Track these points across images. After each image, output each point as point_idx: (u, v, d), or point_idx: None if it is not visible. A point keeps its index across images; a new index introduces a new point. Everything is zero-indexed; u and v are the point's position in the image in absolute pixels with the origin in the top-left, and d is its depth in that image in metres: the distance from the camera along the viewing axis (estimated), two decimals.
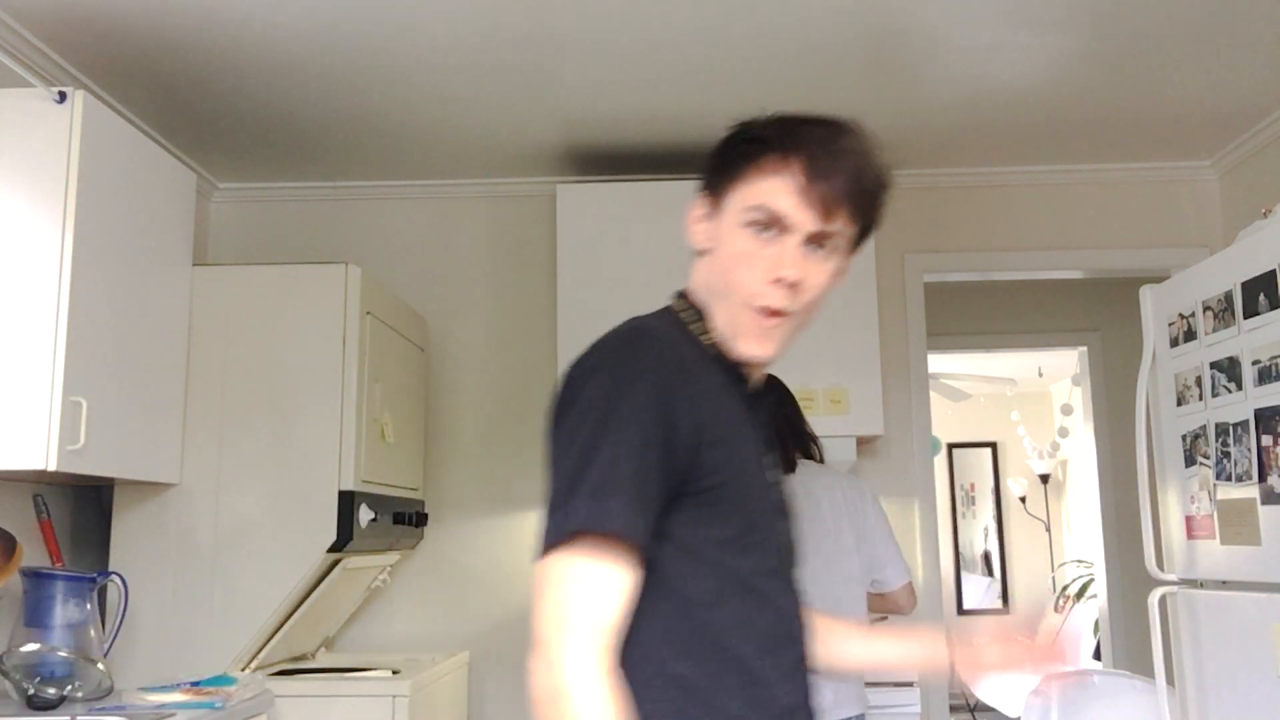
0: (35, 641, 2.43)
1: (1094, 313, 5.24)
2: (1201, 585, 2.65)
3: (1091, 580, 6.68)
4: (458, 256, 3.81)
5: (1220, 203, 3.74)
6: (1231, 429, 2.45)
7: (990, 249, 3.78)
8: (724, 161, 1.26)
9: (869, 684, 2.82)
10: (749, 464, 1.21)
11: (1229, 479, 2.46)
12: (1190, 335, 2.65)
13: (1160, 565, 2.79)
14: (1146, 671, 3.08)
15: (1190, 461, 2.65)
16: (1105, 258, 3.78)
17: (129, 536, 2.88)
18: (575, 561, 1.08)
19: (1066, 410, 7.54)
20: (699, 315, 1.27)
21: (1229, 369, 2.47)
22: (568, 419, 1.15)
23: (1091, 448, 5.31)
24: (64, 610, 2.49)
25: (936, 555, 3.66)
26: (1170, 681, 2.73)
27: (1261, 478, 2.33)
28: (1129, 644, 5.16)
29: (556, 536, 1.09)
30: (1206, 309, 2.57)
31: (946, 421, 8.20)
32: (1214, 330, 2.54)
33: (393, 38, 2.78)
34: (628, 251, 3.37)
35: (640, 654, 1.13)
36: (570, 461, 1.12)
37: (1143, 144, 3.58)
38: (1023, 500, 8.25)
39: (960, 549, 8.28)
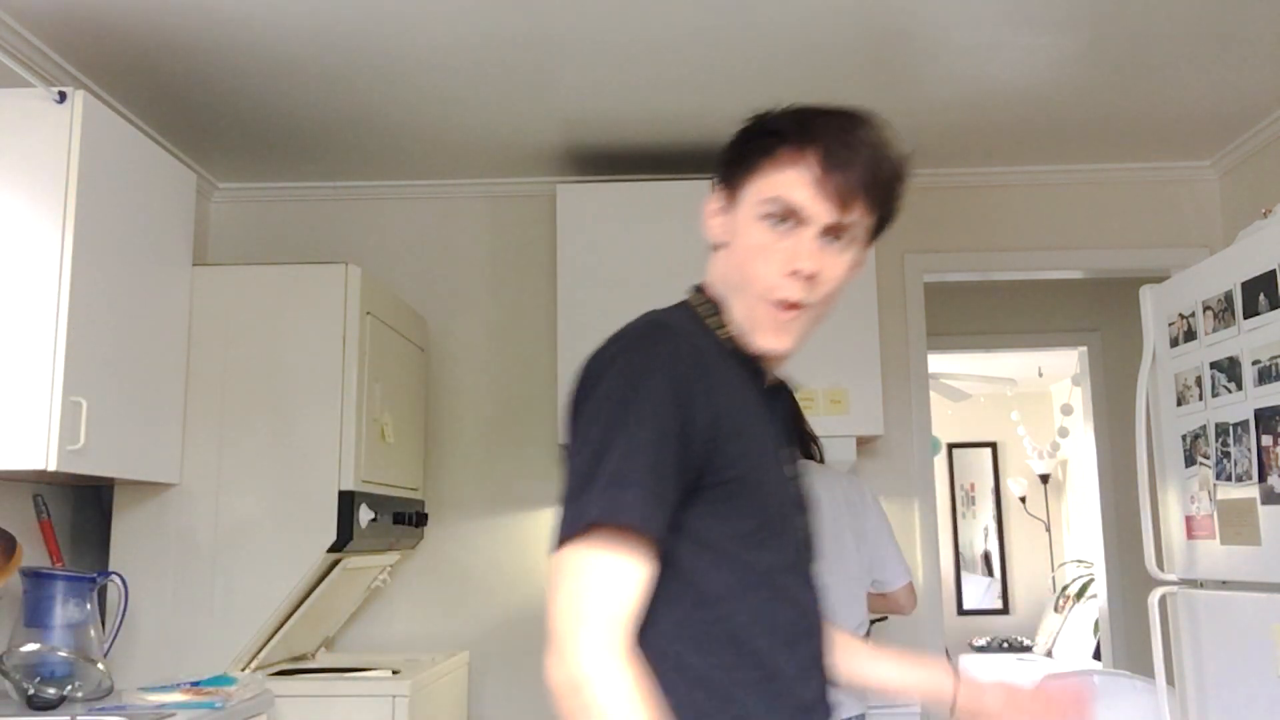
0: (35, 641, 2.43)
1: (1094, 313, 5.24)
2: (1201, 585, 2.65)
3: (1091, 580, 6.68)
4: (458, 256, 3.81)
5: (1220, 203, 3.74)
6: (1231, 429, 2.45)
7: (990, 249, 3.78)
8: (739, 154, 1.26)
9: None
10: (766, 458, 1.21)
11: (1229, 479, 2.46)
12: (1190, 335, 2.65)
13: (1160, 565, 2.79)
14: (1146, 671, 3.08)
15: (1190, 461, 2.65)
16: (1105, 258, 3.78)
17: (129, 536, 2.88)
18: (590, 554, 1.07)
19: (1066, 410, 7.54)
20: (716, 309, 1.27)
21: (1229, 369, 2.47)
22: (584, 412, 1.14)
23: (1091, 448, 5.31)
24: (64, 610, 2.49)
25: (936, 555, 3.66)
26: (1170, 681, 2.73)
27: (1261, 478, 2.33)
28: (1129, 644, 5.16)
29: (572, 529, 1.08)
30: (1206, 309, 2.57)
31: (946, 421, 8.20)
32: (1214, 330, 2.54)
33: (393, 38, 2.78)
34: (628, 251, 3.37)
35: (657, 648, 1.12)
36: (586, 455, 1.11)
37: (1143, 144, 3.58)
38: (1023, 500, 8.25)
39: (960, 549, 8.28)
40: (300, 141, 3.45)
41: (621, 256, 3.37)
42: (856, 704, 2.58)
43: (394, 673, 2.93)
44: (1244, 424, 2.40)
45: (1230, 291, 2.47)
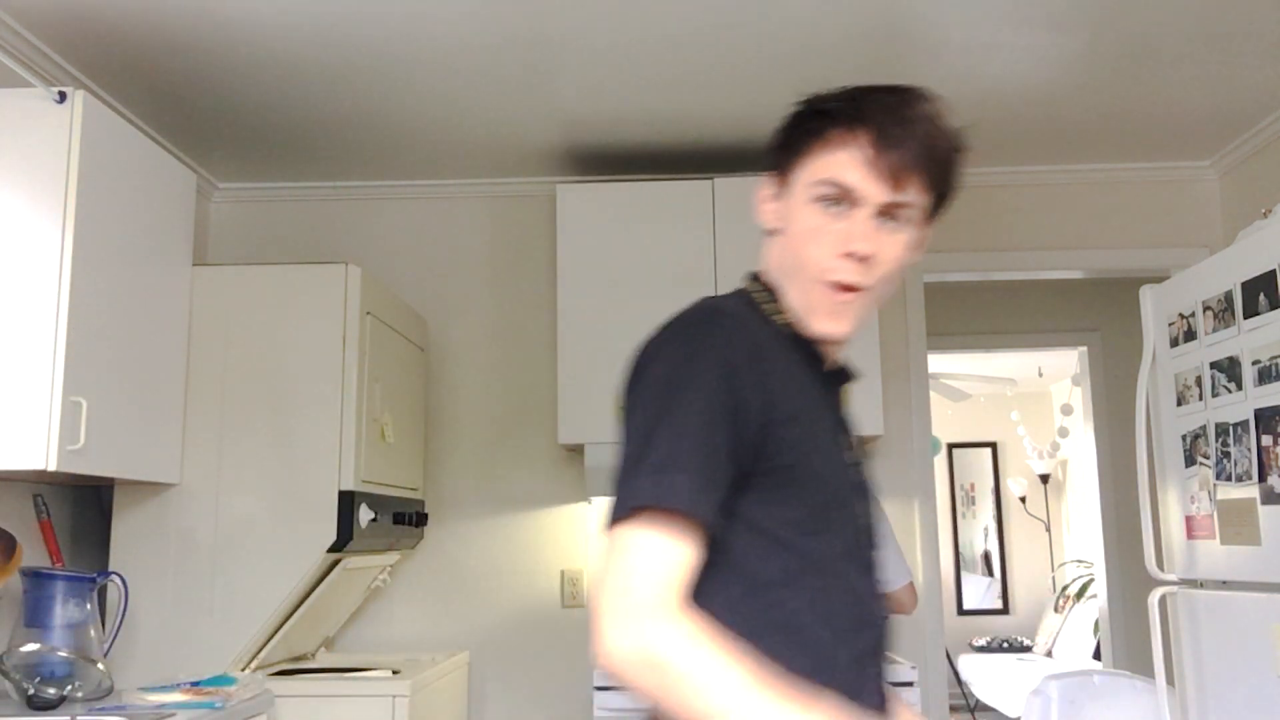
0: (35, 641, 2.43)
1: (1094, 313, 5.25)
2: (1201, 585, 2.65)
3: (1091, 580, 6.69)
4: (458, 256, 3.81)
5: (1220, 203, 3.74)
6: (1231, 429, 2.45)
7: (990, 249, 3.79)
8: (790, 139, 1.24)
9: None
10: (823, 443, 1.19)
11: (1229, 479, 2.46)
12: (1190, 335, 2.65)
13: (1160, 565, 2.79)
14: (1146, 671, 3.09)
15: (1190, 461, 2.65)
16: (1105, 258, 3.78)
17: (129, 536, 2.88)
18: (637, 534, 1.06)
19: (1066, 410, 7.54)
20: (772, 295, 1.25)
21: (1229, 369, 2.47)
22: (636, 397, 1.14)
23: (1091, 448, 5.31)
24: (64, 610, 2.49)
25: (936, 555, 3.66)
26: (1170, 681, 2.73)
27: (1261, 478, 2.33)
28: (1129, 644, 5.16)
29: (621, 512, 1.07)
30: (1206, 309, 2.57)
31: (946, 421, 8.20)
32: (1214, 330, 2.54)
33: (393, 38, 2.78)
34: (628, 251, 3.37)
35: None
36: (637, 439, 1.10)
37: (1143, 144, 3.58)
38: (1023, 500, 8.25)
39: (960, 549, 8.28)
40: (300, 141, 3.45)
41: (621, 256, 3.37)
42: None
43: (394, 673, 2.93)
44: (1244, 424, 2.40)
45: (1230, 291, 2.47)
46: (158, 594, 2.85)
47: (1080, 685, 3.16)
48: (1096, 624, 6.09)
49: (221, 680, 2.63)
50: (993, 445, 8.36)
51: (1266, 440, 2.32)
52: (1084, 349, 5.29)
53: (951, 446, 8.34)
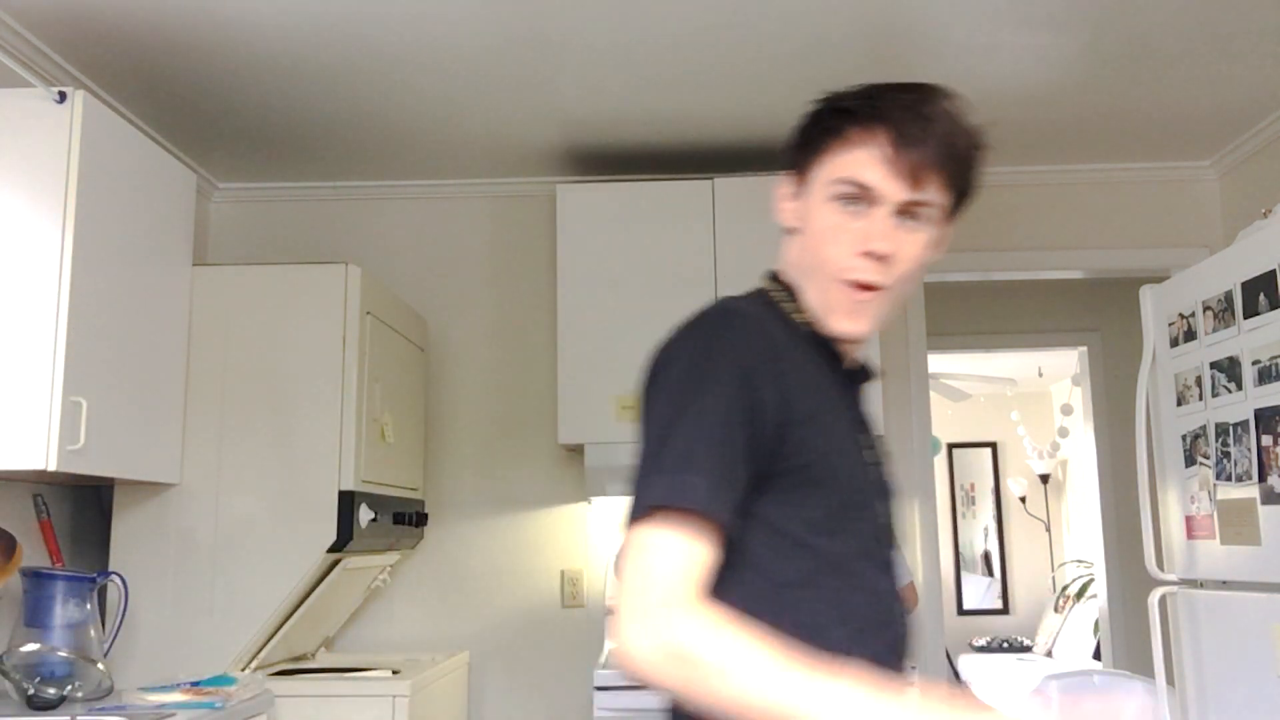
0: (35, 641, 2.43)
1: (1094, 313, 5.25)
2: (1201, 585, 2.65)
3: (1091, 580, 6.69)
4: (458, 256, 3.81)
5: (1220, 203, 3.74)
6: (1231, 429, 2.45)
7: (990, 249, 3.78)
8: (808, 137, 1.23)
9: None
10: (842, 443, 1.19)
11: (1229, 479, 2.46)
12: (1190, 335, 2.65)
13: (1160, 565, 2.79)
14: (1146, 671, 3.09)
15: (1190, 461, 2.65)
16: (1105, 258, 3.78)
17: (129, 536, 2.88)
18: (653, 534, 1.06)
19: (1066, 410, 7.54)
20: (791, 295, 1.25)
21: (1229, 369, 2.47)
22: (653, 397, 1.14)
23: (1091, 448, 5.31)
24: (64, 610, 2.49)
25: (936, 555, 3.66)
26: (1170, 681, 2.73)
27: (1261, 478, 2.33)
28: (1129, 644, 5.16)
29: (638, 512, 1.07)
30: (1206, 309, 2.57)
31: (946, 421, 8.20)
32: (1214, 330, 2.54)
33: (393, 38, 2.78)
34: (628, 251, 3.37)
35: None
36: (654, 439, 1.10)
37: (1143, 144, 3.58)
38: (1023, 500, 8.25)
39: (960, 549, 8.28)
40: (300, 141, 3.45)
41: (621, 256, 3.37)
42: None
43: (394, 673, 2.93)
44: (1244, 424, 2.40)
45: (1230, 291, 2.47)
46: (158, 594, 2.85)
47: (1080, 685, 3.16)
48: (1096, 624, 6.09)
49: (221, 680, 2.63)
50: (993, 445, 8.36)
51: (1266, 440, 2.32)
52: (1084, 349, 5.29)
53: (951, 446, 8.34)
